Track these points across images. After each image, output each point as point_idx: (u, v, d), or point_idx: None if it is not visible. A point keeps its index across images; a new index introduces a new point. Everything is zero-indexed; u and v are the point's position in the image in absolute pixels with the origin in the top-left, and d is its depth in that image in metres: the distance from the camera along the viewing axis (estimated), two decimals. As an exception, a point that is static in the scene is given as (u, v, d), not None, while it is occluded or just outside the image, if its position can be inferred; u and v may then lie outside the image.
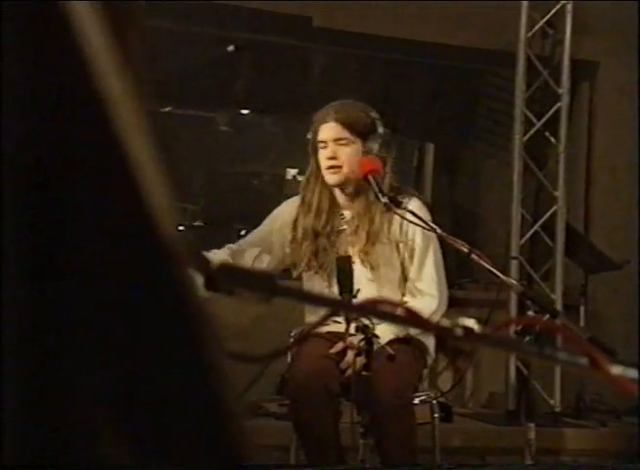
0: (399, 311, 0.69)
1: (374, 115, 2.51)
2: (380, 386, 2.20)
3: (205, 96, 4.73)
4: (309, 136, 2.53)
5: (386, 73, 4.64)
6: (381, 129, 2.50)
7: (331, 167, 2.45)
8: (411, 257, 2.50)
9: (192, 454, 0.41)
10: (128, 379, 0.40)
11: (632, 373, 0.70)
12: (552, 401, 4.14)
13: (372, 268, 2.48)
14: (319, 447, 2.28)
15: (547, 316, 2.27)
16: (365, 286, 2.43)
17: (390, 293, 2.50)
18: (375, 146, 2.47)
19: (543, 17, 4.33)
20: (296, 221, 2.53)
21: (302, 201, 2.53)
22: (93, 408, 0.40)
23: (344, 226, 2.51)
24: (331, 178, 2.47)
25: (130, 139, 0.41)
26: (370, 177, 2.37)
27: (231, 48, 4.56)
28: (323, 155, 2.47)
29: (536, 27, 4.32)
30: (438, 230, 2.36)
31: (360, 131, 2.46)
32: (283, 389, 2.40)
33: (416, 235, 2.47)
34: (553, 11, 4.33)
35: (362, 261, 2.48)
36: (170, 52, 4.29)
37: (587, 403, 4.16)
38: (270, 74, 4.61)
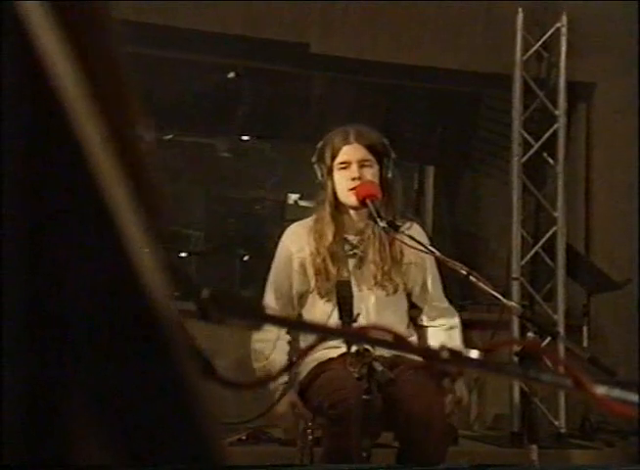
0: (388, 337, 0.70)
1: (385, 140, 2.53)
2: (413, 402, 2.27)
3: (205, 123, 4.77)
4: (313, 160, 2.49)
5: (384, 98, 4.68)
6: (393, 154, 2.51)
7: (355, 188, 2.41)
8: (419, 279, 2.55)
9: (178, 455, 0.43)
10: (120, 385, 0.42)
11: (617, 393, 0.71)
12: (557, 423, 4.13)
13: (387, 293, 2.49)
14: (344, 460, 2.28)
15: (548, 337, 2.29)
16: (381, 311, 2.47)
17: (402, 317, 2.55)
18: (389, 170, 2.48)
19: (538, 40, 4.37)
20: (306, 249, 2.49)
21: (316, 227, 2.48)
22: (92, 410, 0.41)
23: (359, 251, 2.49)
24: (351, 200, 2.42)
25: (99, 162, 0.41)
26: (368, 202, 2.38)
27: (231, 75, 4.61)
28: (346, 175, 2.42)
29: (532, 50, 4.36)
30: (437, 253, 2.38)
31: (379, 154, 2.47)
32: (315, 408, 2.38)
33: (426, 257, 2.48)
34: (548, 34, 4.38)
35: (379, 286, 2.48)
36: (171, 80, 4.33)
37: (593, 424, 4.14)
38: (270, 100, 4.65)
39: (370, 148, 2.45)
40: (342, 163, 2.44)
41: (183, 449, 0.43)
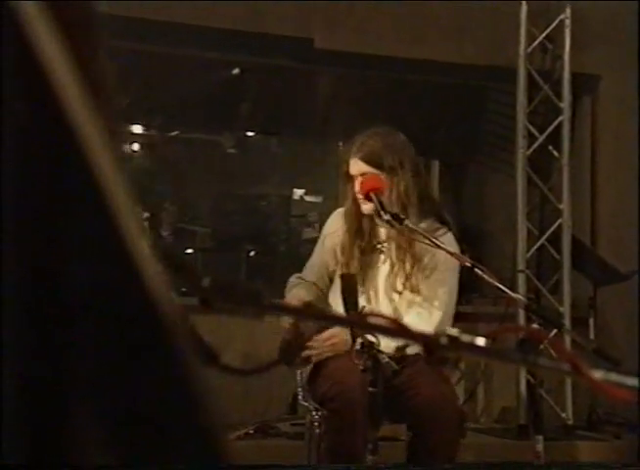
0: (387, 323, 0.71)
1: (400, 143, 2.53)
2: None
3: (210, 119, 4.78)
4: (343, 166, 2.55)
5: (388, 92, 4.68)
6: (407, 157, 2.50)
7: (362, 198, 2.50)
8: (428, 277, 2.51)
9: (181, 454, 0.43)
10: (121, 382, 0.42)
11: (615, 377, 0.72)
12: (564, 415, 4.13)
13: (413, 292, 2.50)
14: (349, 456, 2.29)
15: (553, 329, 2.29)
16: (408, 310, 2.49)
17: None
18: (405, 175, 2.48)
19: (542, 32, 4.36)
20: (338, 232, 2.57)
21: (346, 225, 2.56)
22: (93, 408, 0.41)
23: (383, 251, 2.52)
24: (364, 208, 2.50)
25: (98, 163, 0.41)
26: (372, 195, 2.39)
27: (236, 71, 4.62)
28: (355, 187, 2.51)
29: (536, 43, 4.35)
30: (443, 246, 2.38)
31: (383, 165, 2.48)
32: (318, 400, 2.40)
33: (440, 261, 2.48)
34: (552, 26, 4.37)
35: (405, 287, 2.50)
36: (176, 76, 4.34)
37: (600, 416, 4.14)
38: (274, 96, 4.66)
39: (370, 162, 2.48)
40: (350, 174, 2.52)
41: (186, 447, 0.44)
